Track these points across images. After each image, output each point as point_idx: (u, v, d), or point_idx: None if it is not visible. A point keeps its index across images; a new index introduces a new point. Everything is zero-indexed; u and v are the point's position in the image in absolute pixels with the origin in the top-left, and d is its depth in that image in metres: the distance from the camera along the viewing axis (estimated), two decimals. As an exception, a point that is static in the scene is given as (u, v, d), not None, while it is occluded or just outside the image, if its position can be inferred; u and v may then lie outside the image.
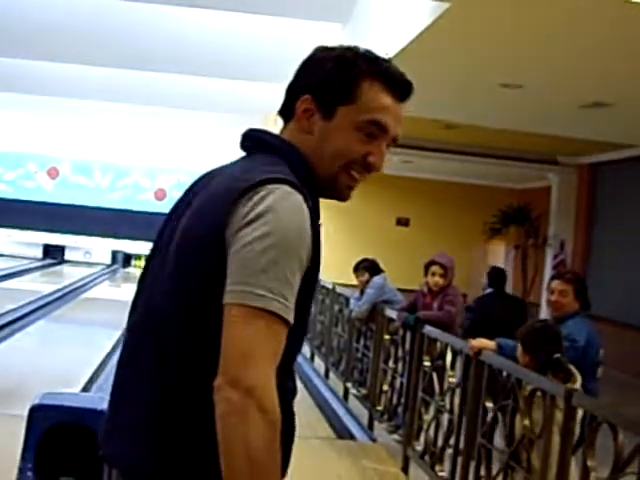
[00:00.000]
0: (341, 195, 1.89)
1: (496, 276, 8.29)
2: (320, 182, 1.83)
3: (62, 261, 27.14)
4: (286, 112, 1.88)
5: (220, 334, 1.58)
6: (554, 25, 6.71)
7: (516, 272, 17.96)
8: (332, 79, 1.81)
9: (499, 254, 19.03)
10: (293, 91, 1.86)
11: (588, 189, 15.38)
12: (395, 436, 7.19)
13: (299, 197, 1.68)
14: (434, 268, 7.16)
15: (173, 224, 1.80)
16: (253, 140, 1.87)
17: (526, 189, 18.17)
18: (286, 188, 1.67)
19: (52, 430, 3.47)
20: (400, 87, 1.85)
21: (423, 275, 7.31)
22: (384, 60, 1.87)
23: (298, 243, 1.65)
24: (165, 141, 22.62)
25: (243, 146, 1.89)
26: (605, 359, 4.91)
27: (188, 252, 1.68)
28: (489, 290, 8.19)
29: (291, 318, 1.62)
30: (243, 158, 1.88)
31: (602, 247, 14.69)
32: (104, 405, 3.51)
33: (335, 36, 10.53)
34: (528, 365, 4.33)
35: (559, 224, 15.61)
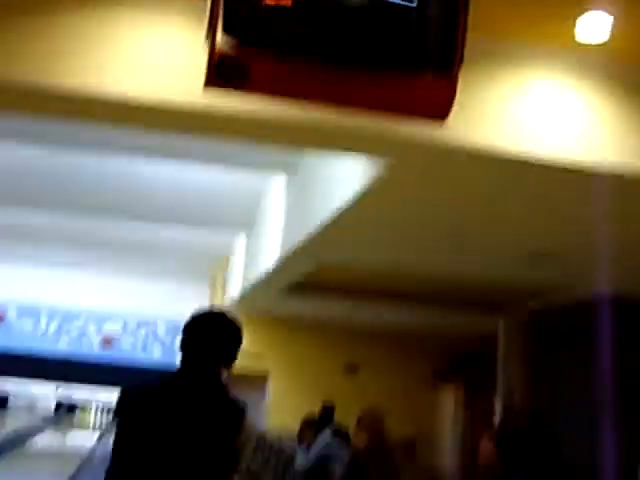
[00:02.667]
0: None
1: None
2: None
3: (5, 409, 26.38)
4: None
5: None
6: (490, 192, 6.93)
7: (466, 418, 17.79)
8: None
9: (449, 402, 18.89)
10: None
11: (534, 335, 15.46)
12: None
13: None
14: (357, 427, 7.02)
15: None
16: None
17: (474, 335, 18.20)
18: None
19: None
20: None
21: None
22: None
23: None
24: (114, 287, 22.51)
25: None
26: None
27: None
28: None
29: None
30: None
31: (549, 396, 14.66)
32: None
33: (282, 187, 10.75)
34: (489, 461, 4.37)
35: (507, 371, 15.60)
